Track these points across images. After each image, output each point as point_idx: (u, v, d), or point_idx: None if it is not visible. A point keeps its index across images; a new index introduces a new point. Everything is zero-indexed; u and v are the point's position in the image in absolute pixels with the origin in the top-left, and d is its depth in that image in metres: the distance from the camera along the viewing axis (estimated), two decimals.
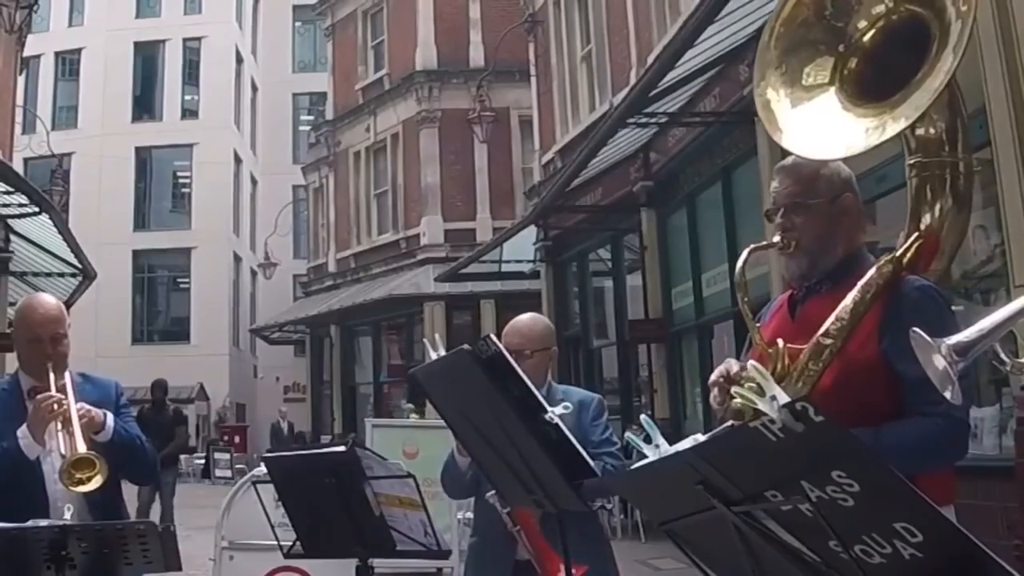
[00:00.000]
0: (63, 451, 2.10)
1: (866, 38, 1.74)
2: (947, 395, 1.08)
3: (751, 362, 1.29)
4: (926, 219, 1.76)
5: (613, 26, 11.14)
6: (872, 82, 1.71)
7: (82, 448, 2.07)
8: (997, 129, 3.90)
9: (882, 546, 0.94)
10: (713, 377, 1.62)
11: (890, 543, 0.93)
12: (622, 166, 10.29)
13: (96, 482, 2.06)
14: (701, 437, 1.26)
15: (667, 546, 1.29)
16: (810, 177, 1.72)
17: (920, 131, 1.77)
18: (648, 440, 1.23)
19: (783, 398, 0.97)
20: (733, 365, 1.60)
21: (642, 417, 1.56)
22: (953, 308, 1.73)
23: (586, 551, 2.13)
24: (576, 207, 11.68)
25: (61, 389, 2.19)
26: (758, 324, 1.77)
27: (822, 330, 1.60)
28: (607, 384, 12.37)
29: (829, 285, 1.69)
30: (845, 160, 1.76)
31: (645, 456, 1.19)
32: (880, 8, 1.74)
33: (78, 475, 2.05)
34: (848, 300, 1.61)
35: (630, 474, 1.22)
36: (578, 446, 1.71)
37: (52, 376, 2.21)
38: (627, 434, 1.50)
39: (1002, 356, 1.17)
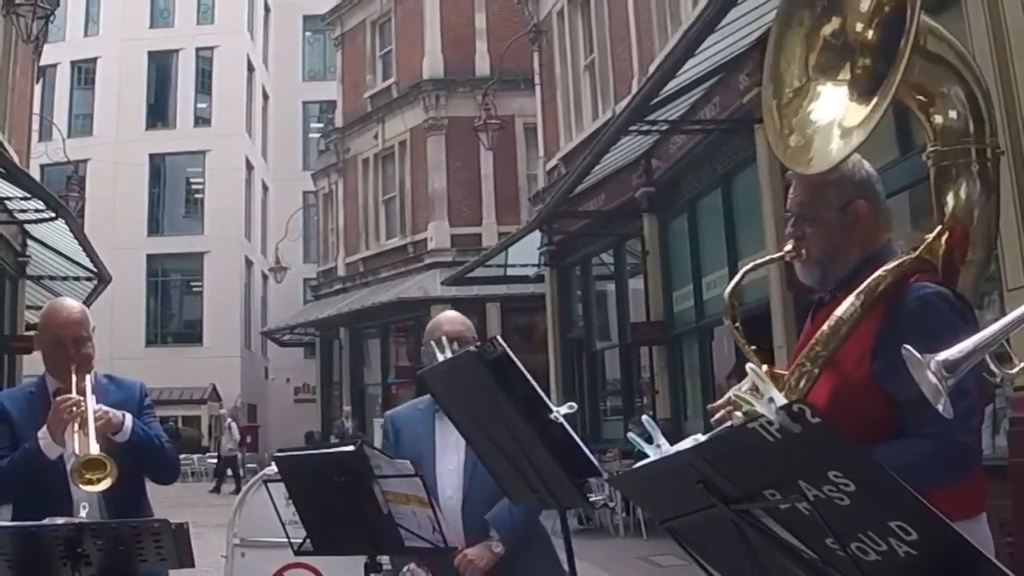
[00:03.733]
0: (77, 451, 2.14)
1: (869, 35, 1.67)
2: (939, 408, 1.08)
3: (749, 365, 1.28)
4: (950, 208, 1.67)
5: (616, 36, 11.32)
6: (879, 75, 1.61)
7: (93, 449, 2.11)
8: None
9: (878, 544, 0.95)
10: (719, 405, 1.62)
11: (885, 541, 0.94)
12: (624, 172, 10.44)
13: (106, 483, 2.09)
14: (701, 437, 1.27)
15: (668, 543, 1.35)
16: (819, 185, 1.65)
17: (939, 119, 1.69)
18: (650, 440, 1.24)
19: (780, 400, 0.97)
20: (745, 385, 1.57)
21: (643, 417, 1.54)
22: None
23: (533, 551, 2.33)
24: (579, 212, 11.86)
25: (81, 391, 2.23)
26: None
27: (804, 351, 1.58)
28: (610, 385, 12.52)
29: (844, 292, 1.63)
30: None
31: (647, 455, 1.20)
32: (867, 4, 1.68)
33: (88, 475, 2.09)
34: (836, 314, 1.56)
35: (632, 473, 1.23)
36: (582, 445, 1.72)
37: (75, 378, 2.25)
38: (629, 434, 1.54)
39: (992, 368, 1.18)
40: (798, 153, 1.70)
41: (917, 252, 1.63)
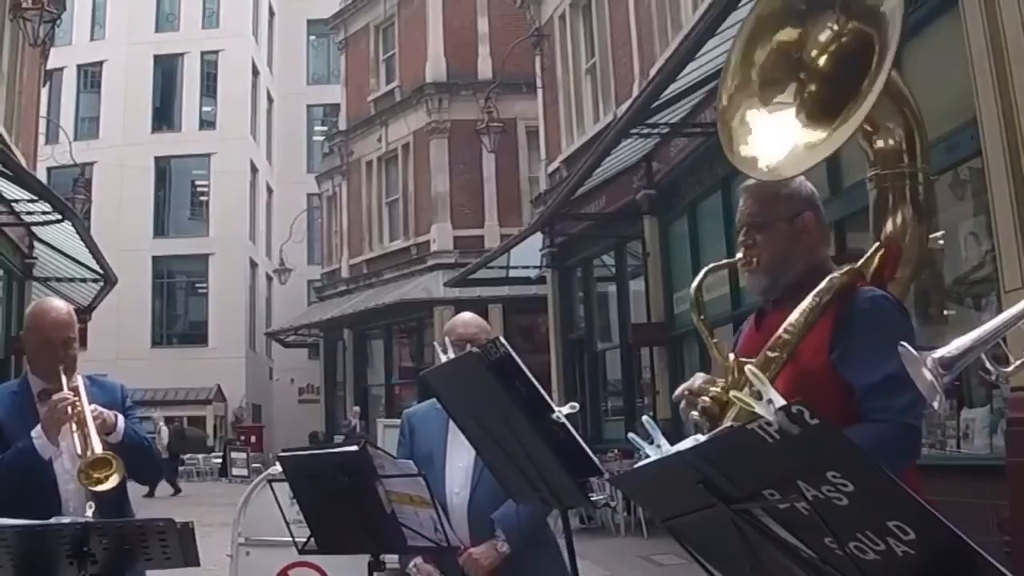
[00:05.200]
0: (79, 452, 2.13)
1: (821, 62, 1.81)
2: (935, 405, 1.08)
3: (748, 367, 1.32)
4: (887, 228, 1.80)
5: (617, 40, 11.40)
6: (831, 102, 1.76)
7: (99, 449, 2.11)
8: (988, 140, 3.98)
9: (876, 543, 0.95)
10: (677, 392, 1.70)
11: (883, 540, 0.95)
12: (625, 175, 10.49)
13: (113, 481, 2.10)
14: (702, 437, 1.30)
15: (669, 542, 1.38)
16: (770, 197, 1.76)
17: (879, 143, 1.81)
18: (650, 440, 1.25)
19: (779, 401, 0.99)
20: (698, 379, 1.71)
21: (644, 418, 1.53)
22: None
23: (539, 552, 2.36)
24: (581, 215, 11.92)
25: (74, 391, 2.21)
26: (738, 337, 1.84)
27: (769, 343, 1.65)
28: (611, 386, 12.59)
29: (791, 299, 1.72)
30: (811, 177, 1.81)
31: (648, 456, 1.21)
32: (827, 34, 1.81)
33: (95, 475, 2.09)
34: (798, 310, 1.65)
35: (634, 473, 1.25)
36: (583, 444, 1.73)
37: (64, 379, 2.22)
38: (630, 434, 1.56)
39: (988, 366, 1.18)
40: (747, 161, 1.83)
41: (858, 264, 1.74)
